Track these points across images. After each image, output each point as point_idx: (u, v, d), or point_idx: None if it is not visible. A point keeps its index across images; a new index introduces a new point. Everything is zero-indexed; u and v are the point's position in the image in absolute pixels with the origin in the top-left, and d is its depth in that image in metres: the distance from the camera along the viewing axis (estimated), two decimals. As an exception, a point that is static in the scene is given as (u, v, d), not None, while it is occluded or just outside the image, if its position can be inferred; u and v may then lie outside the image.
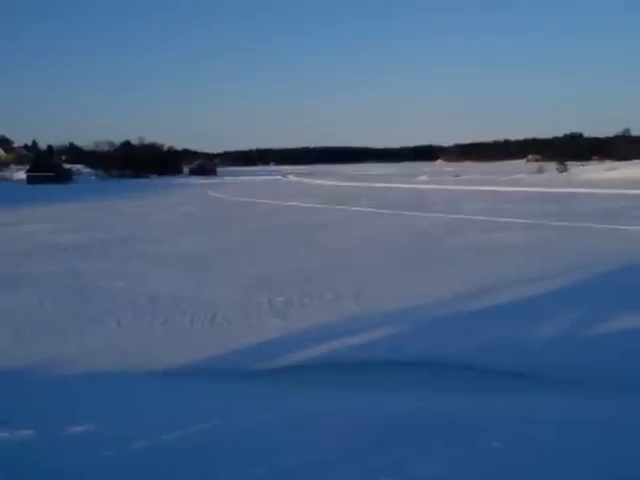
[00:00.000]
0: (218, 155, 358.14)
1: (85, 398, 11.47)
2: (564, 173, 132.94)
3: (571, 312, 16.98)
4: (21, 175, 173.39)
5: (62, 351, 15.32)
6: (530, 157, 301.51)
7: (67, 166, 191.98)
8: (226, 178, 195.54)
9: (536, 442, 7.87)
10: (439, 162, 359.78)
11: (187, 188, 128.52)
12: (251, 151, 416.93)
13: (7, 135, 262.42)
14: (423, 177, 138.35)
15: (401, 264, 25.75)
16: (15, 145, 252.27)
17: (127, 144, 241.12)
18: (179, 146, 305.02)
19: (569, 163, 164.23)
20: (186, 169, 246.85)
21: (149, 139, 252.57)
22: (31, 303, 20.38)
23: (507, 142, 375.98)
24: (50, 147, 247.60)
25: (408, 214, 50.26)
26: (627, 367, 12.60)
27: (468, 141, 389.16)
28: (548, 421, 9.00)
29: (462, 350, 14.31)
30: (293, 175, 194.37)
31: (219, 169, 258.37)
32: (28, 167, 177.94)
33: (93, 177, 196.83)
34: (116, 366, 14.28)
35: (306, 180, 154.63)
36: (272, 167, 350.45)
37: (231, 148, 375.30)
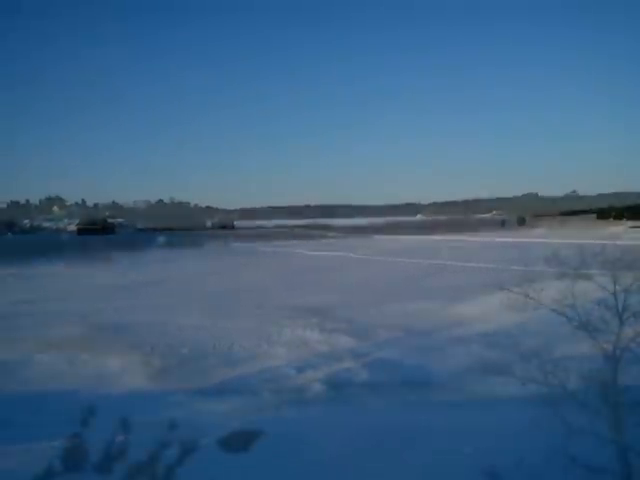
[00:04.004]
0: (235, 210, 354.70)
1: (123, 409, 11.84)
2: (522, 225, 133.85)
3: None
4: (72, 227, 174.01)
5: (108, 369, 15.70)
6: (494, 212, 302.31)
7: (110, 220, 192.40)
8: (241, 230, 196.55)
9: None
10: (419, 216, 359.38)
11: (211, 238, 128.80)
12: (262, 208, 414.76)
13: (61, 195, 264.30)
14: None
15: (390, 297, 26.14)
16: (67, 203, 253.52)
17: (160, 202, 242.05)
18: (203, 203, 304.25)
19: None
20: (209, 222, 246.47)
21: (179, 198, 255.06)
22: (83, 334, 20.76)
23: (476, 200, 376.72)
24: (96, 205, 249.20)
25: (395, 260, 50.64)
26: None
27: (444, 199, 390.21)
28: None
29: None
30: (297, 228, 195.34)
31: (236, 222, 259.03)
32: (78, 221, 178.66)
33: (132, 230, 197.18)
34: (150, 383, 14.69)
35: (307, 231, 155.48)
36: (279, 221, 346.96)
37: (247, 205, 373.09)
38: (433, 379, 16.96)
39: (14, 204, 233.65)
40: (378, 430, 12.85)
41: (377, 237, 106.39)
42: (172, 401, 15.19)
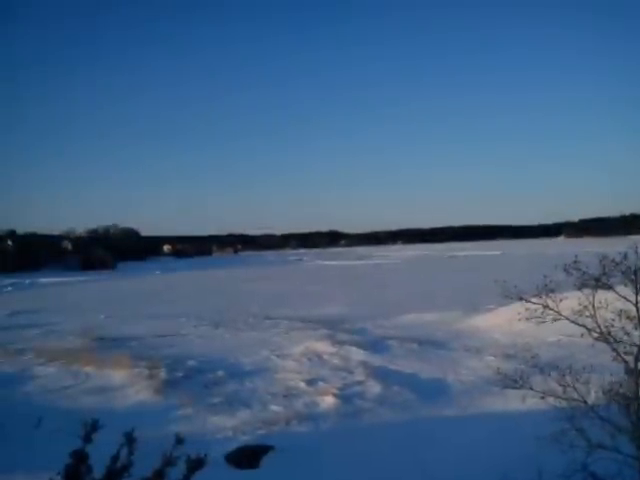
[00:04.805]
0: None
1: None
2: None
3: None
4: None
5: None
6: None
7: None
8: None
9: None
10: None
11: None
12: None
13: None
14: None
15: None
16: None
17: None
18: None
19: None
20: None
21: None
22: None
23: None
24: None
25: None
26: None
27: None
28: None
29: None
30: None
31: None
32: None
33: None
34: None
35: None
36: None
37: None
38: (448, 391, 16.94)
39: None
40: (391, 445, 12.84)
41: (388, 247, 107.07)
42: (178, 415, 15.23)
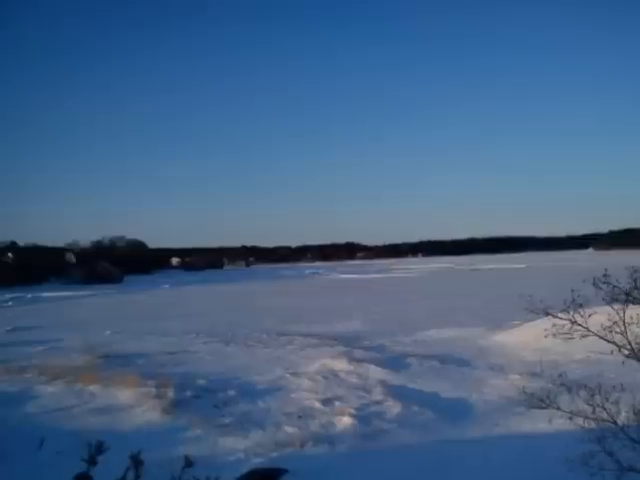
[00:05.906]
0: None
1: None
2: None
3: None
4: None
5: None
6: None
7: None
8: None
9: None
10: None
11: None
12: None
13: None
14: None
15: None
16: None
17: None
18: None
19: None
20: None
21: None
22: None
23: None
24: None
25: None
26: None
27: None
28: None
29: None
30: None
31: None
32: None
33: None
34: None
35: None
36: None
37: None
38: (471, 411, 16.85)
39: None
40: (411, 468, 12.77)
41: (409, 260, 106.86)
42: (188, 436, 15.24)
